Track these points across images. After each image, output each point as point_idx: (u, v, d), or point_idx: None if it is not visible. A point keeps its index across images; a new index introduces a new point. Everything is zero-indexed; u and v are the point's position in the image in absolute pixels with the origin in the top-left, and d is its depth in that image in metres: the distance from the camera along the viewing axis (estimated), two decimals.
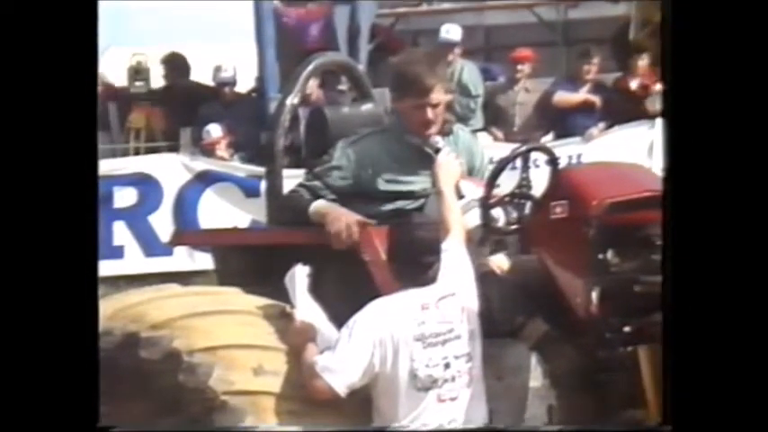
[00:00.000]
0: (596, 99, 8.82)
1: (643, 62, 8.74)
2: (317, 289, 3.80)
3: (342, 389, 3.43)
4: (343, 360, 3.43)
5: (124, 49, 10.46)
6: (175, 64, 10.10)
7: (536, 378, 3.77)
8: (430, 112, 4.03)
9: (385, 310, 3.48)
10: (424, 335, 3.46)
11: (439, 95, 4.04)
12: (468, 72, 8.96)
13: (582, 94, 8.87)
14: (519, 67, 9.04)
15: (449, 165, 3.92)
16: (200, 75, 10.27)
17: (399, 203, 4.10)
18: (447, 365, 3.46)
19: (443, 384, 3.45)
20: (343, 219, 3.92)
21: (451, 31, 9.01)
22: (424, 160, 4.11)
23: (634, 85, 8.65)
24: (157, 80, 10.24)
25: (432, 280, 3.56)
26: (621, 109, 8.76)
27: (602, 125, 8.76)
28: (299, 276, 3.67)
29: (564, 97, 8.90)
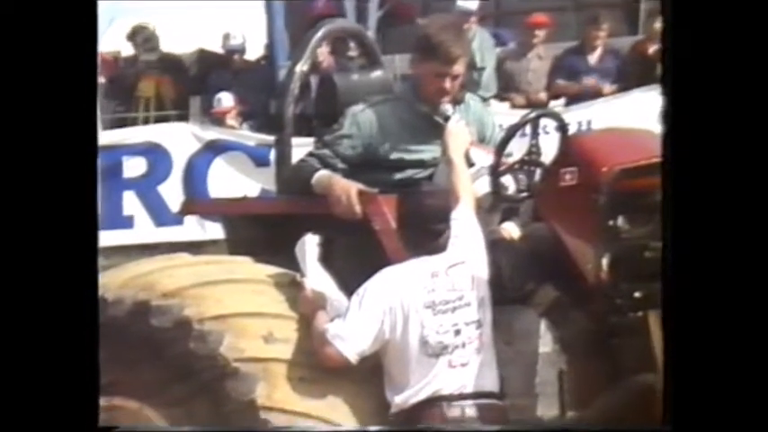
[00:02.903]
0: (600, 85, 8.75)
1: (658, 25, 8.70)
2: (327, 258, 3.83)
3: (352, 356, 3.47)
4: (353, 327, 3.46)
5: (131, 18, 10.45)
6: (143, 36, 9.97)
7: (546, 344, 3.80)
8: (448, 83, 4.04)
9: (395, 278, 3.51)
10: (434, 302, 3.49)
11: (461, 67, 4.05)
12: (480, 42, 8.93)
13: (578, 85, 8.83)
14: (536, 32, 9.01)
15: (459, 132, 3.94)
16: (209, 42, 10.27)
17: (409, 172, 4.12)
18: (457, 332, 3.49)
19: (454, 351, 3.48)
20: (342, 187, 3.94)
21: None
22: (435, 129, 4.12)
23: (651, 49, 8.60)
24: (167, 48, 10.23)
25: (442, 248, 3.58)
26: (635, 74, 8.73)
27: (612, 87, 8.74)
28: (309, 245, 3.69)
29: (564, 85, 8.89)
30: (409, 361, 3.46)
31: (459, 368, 3.48)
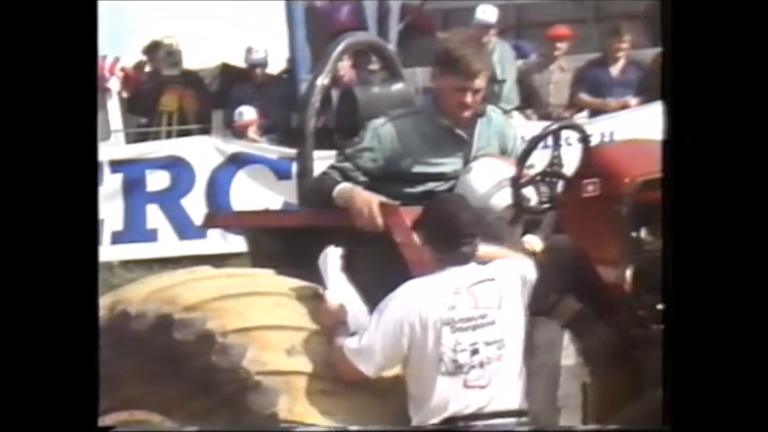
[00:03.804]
0: (619, 102, 8.72)
1: None
2: (348, 271, 3.82)
3: (370, 372, 3.45)
4: (371, 344, 3.44)
5: (154, 33, 10.52)
6: (166, 51, 9.99)
7: (569, 356, 3.78)
8: (470, 97, 4.03)
9: (416, 293, 3.47)
10: (454, 319, 3.43)
11: (482, 82, 4.05)
12: (500, 54, 8.93)
13: (602, 101, 8.80)
14: (558, 44, 9.00)
15: None
16: (232, 56, 10.32)
17: (430, 185, 4.11)
18: (475, 351, 3.41)
19: (470, 371, 3.41)
20: (364, 199, 3.94)
21: (487, 12, 8.98)
22: (456, 142, 4.12)
23: None
24: (189, 63, 10.29)
25: (468, 259, 3.52)
26: (657, 85, 8.69)
27: (635, 101, 8.72)
28: (332, 258, 3.69)
29: (586, 99, 8.87)
30: (427, 379, 3.42)
31: (478, 390, 3.42)
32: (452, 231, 3.52)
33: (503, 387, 3.45)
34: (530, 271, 3.62)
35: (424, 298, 3.45)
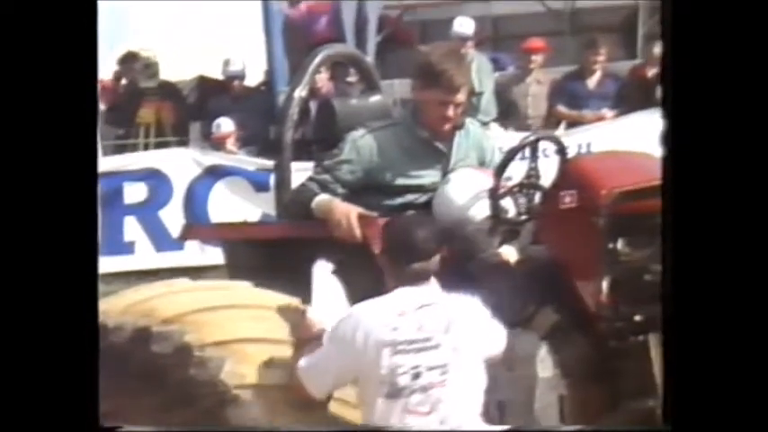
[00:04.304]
0: (596, 114, 8.77)
1: (657, 50, 8.74)
2: (333, 284, 3.82)
3: (317, 393, 3.40)
4: (318, 364, 3.39)
5: (131, 45, 10.49)
6: (143, 63, 9.96)
7: (546, 368, 3.78)
8: (451, 110, 4.05)
9: (364, 314, 3.38)
10: (396, 341, 3.30)
11: (463, 96, 4.07)
12: (477, 66, 8.96)
13: (579, 113, 8.85)
14: (533, 57, 9.04)
15: None
16: (210, 68, 10.30)
17: (409, 197, 4.12)
18: (417, 375, 3.29)
19: (411, 394, 3.28)
20: (342, 211, 3.94)
21: (464, 25, 9.00)
22: (434, 154, 4.14)
23: (650, 73, 8.62)
24: (167, 75, 10.27)
25: (422, 277, 3.41)
26: (634, 97, 8.75)
27: (611, 113, 8.77)
28: (319, 272, 3.67)
29: (563, 112, 8.92)
30: (369, 401, 3.34)
31: (419, 415, 3.28)
32: (407, 248, 3.43)
33: (449, 414, 3.30)
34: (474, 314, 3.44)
35: (370, 319, 3.36)
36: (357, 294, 3.66)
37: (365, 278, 3.80)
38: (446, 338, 3.32)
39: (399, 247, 3.44)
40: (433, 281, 3.46)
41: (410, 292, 3.39)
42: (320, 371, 3.40)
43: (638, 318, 3.75)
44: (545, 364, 3.78)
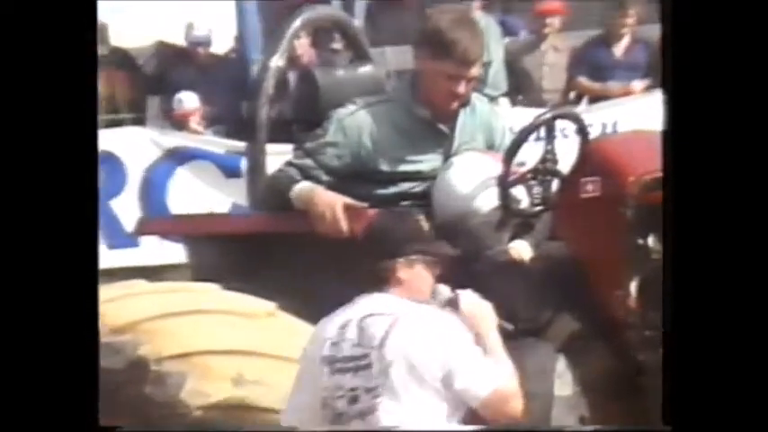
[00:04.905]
0: (623, 87, 8.77)
1: None
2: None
3: (284, 424, 3.36)
4: (291, 395, 3.36)
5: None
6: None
7: (565, 385, 3.80)
8: (463, 87, 4.05)
9: (319, 329, 3.34)
10: (335, 357, 3.23)
11: (477, 70, 4.07)
12: (485, 32, 8.94)
13: (600, 85, 8.85)
14: (548, 20, 9.05)
15: (483, 313, 3.43)
16: (170, 33, 10.30)
17: (404, 186, 4.13)
18: (354, 399, 3.19)
19: (350, 421, 3.18)
20: (326, 201, 3.95)
21: None
22: (434, 136, 4.15)
23: None
24: (119, 41, 10.26)
25: (381, 284, 3.33)
26: None
27: (641, 86, 8.77)
28: None
29: (584, 84, 8.92)
30: (316, 427, 3.27)
31: None
32: (379, 250, 3.36)
33: None
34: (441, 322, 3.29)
35: (319, 330, 3.32)
36: (342, 298, 3.67)
37: (352, 279, 3.81)
38: (378, 355, 3.18)
39: (380, 241, 3.36)
40: (415, 287, 3.35)
41: (369, 298, 3.31)
42: (291, 401, 3.35)
43: None
44: (563, 381, 3.80)
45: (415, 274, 3.34)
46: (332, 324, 3.30)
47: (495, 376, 3.21)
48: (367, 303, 3.30)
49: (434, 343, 3.19)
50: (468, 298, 3.39)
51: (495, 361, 3.26)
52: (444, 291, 3.40)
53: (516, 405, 3.24)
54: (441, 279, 3.48)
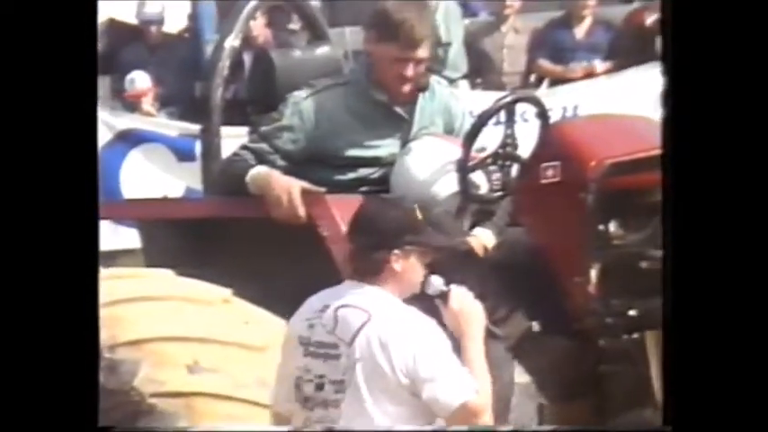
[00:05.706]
0: (584, 69, 8.79)
1: None
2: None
3: (271, 399, 3.38)
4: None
5: None
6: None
7: (523, 372, 3.82)
8: (411, 69, 4.05)
9: (306, 304, 3.34)
10: (309, 340, 3.24)
11: (425, 51, 4.07)
12: (444, 12, 8.94)
13: (562, 67, 8.88)
14: (508, 1, 9.06)
15: (474, 314, 3.35)
16: (121, 10, 10.23)
17: (362, 171, 4.13)
18: (320, 386, 3.21)
19: (314, 408, 3.21)
20: (282, 186, 3.95)
21: None
22: (392, 120, 4.15)
23: (649, 20, 8.63)
24: None
25: (372, 270, 3.28)
26: (630, 49, 8.79)
27: (603, 68, 8.81)
28: None
29: (545, 66, 8.94)
30: (284, 404, 3.30)
31: None
32: (372, 239, 3.30)
33: None
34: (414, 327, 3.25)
35: (303, 307, 3.32)
36: (299, 284, 3.68)
37: (307, 266, 3.82)
38: (348, 351, 3.18)
39: (372, 231, 3.31)
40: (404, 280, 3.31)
41: (355, 287, 3.29)
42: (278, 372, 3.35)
43: (632, 312, 3.80)
44: (521, 369, 3.82)
45: (410, 264, 3.29)
46: (315, 302, 3.30)
47: (466, 388, 3.16)
48: (351, 291, 3.28)
49: (405, 348, 3.17)
50: (460, 296, 3.33)
51: (471, 370, 3.20)
52: (437, 282, 3.34)
53: (485, 420, 3.20)
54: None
